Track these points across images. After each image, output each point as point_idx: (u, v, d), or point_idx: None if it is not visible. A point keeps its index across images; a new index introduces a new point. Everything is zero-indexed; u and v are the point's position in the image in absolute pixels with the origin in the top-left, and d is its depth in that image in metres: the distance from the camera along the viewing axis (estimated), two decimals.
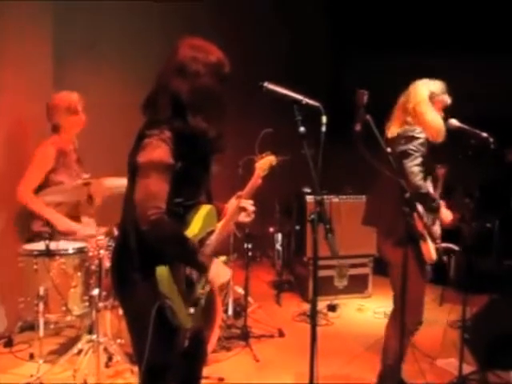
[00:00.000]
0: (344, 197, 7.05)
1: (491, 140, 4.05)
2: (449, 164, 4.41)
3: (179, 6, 7.29)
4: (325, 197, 6.56)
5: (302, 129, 2.60)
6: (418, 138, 3.97)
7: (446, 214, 4.24)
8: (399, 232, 3.67)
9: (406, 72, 4.33)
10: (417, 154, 3.93)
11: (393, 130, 4.14)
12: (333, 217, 6.66)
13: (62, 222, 4.94)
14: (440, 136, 4.06)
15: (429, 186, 4.07)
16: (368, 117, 3.21)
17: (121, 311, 4.39)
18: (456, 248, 6.49)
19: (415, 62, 6.78)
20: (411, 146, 3.96)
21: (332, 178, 4.63)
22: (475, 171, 4.12)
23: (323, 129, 2.59)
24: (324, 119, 2.58)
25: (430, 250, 3.98)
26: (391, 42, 8.28)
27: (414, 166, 3.92)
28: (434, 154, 4.07)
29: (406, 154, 3.96)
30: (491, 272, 6.49)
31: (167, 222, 2.61)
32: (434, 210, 4.08)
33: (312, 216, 2.66)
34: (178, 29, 5.91)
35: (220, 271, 2.95)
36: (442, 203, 4.21)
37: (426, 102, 4.08)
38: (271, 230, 7.93)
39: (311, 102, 2.67)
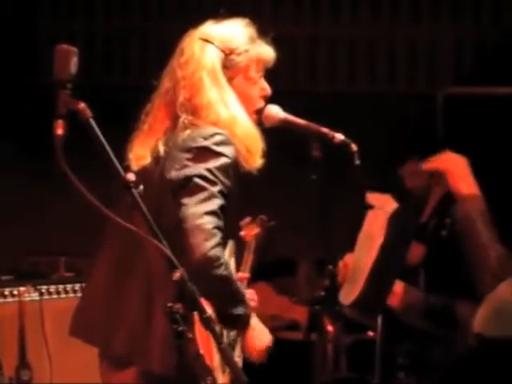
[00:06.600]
0: (52, 288, 3.41)
1: (354, 148, 2.06)
2: (279, 209, 2.68)
3: None
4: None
5: None
6: (219, 155, 1.95)
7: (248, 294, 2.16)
8: (159, 359, 1.88)
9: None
10: (214, 189, 1.91)
11: (143, 152, 2.05)
12: (30, 333, 3.24)
13: None
14: (255, 154, 2.05)
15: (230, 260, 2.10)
16: (81, 105, 1.45)
17: None
18: None
19: None
20: (202, 170, 1.94)
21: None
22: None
23: None
24: None
25: None
26: None
27: (204, 212, 1.89)
28: (246, 188, 2.10)
29: (190, 187, 1.93)
30: None
31: None
32: (236, 323, 2.02)
33: None
34: None
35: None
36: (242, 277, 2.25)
37: (217, 80, 2.03)
38: None
39: None
